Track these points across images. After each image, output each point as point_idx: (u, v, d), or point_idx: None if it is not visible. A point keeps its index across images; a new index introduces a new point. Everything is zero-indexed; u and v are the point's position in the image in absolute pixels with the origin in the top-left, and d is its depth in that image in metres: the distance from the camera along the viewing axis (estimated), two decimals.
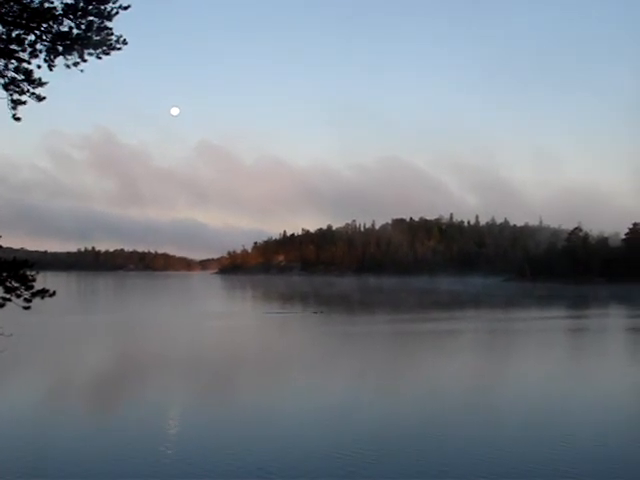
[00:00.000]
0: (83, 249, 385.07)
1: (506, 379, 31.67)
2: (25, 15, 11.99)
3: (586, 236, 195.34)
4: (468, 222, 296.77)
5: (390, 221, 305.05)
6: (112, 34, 12.46)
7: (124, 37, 12.54)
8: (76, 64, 12.41)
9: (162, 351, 40.37)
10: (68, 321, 59.05)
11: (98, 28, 12.25)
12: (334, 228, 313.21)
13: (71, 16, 12.07)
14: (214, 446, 18.66)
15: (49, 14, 11.94)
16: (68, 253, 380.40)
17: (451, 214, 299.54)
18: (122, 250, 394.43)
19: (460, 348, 43.47)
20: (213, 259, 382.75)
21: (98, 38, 12.34)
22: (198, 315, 70.32)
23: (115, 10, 12.30)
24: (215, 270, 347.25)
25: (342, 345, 44.17)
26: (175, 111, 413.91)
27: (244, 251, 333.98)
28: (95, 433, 20.21)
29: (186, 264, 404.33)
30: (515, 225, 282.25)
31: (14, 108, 12.57)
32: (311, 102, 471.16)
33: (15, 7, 11.96)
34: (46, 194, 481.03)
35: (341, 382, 30.10)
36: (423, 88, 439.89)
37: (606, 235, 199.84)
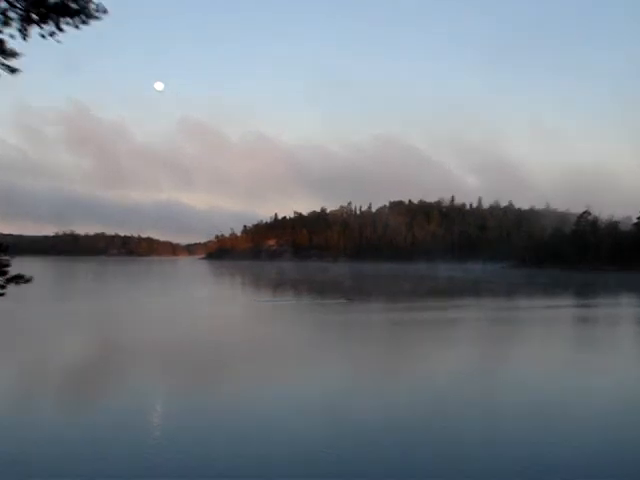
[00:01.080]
0: (61, 232, 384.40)
1: (516, 375, 31.73)
2: None
3: (595, 220, 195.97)
4: (470, 205, 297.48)
5: (388, 204, 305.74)
6: (91, 2, 12.21)
7: (104, 5, 12.30)
8: (52, 34, 12.16)
9: (146, 342, 40.27)
10: (45, 309, 58.94)
11: None
12: (328, 211, 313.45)
13: None
14: (210, 442, 18.62)
15: None
16: (45, 237, 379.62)
17: (452, 196, 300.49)
18: (103, 234, 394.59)
19: (458, 339, 43.61)
20: (200, 243, 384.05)
21: (76, 6, 12.09)
22: (187, 303, 70.39)
23: None
24: (202, 255, 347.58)
25: (342, 334, 44.31)
26: (160, 86, 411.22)
27: (233, 235, 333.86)
28: (74, 428, 20.08)
29: (171, 249, 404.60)
30: (520, 208, 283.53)
31: None
32: (303, 79, 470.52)
33: None
34: (18, 173, 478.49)
35: (342, 372, 30.20)
36: (423, 67, 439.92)
37: (616, 219, 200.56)
